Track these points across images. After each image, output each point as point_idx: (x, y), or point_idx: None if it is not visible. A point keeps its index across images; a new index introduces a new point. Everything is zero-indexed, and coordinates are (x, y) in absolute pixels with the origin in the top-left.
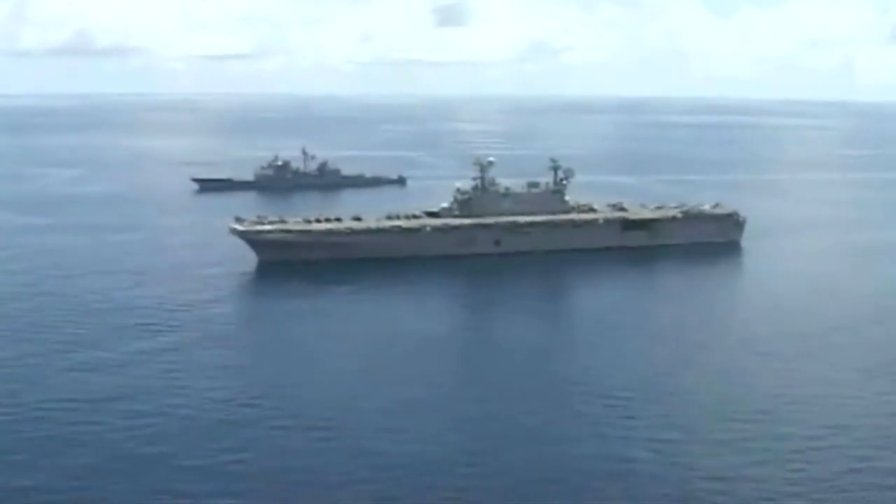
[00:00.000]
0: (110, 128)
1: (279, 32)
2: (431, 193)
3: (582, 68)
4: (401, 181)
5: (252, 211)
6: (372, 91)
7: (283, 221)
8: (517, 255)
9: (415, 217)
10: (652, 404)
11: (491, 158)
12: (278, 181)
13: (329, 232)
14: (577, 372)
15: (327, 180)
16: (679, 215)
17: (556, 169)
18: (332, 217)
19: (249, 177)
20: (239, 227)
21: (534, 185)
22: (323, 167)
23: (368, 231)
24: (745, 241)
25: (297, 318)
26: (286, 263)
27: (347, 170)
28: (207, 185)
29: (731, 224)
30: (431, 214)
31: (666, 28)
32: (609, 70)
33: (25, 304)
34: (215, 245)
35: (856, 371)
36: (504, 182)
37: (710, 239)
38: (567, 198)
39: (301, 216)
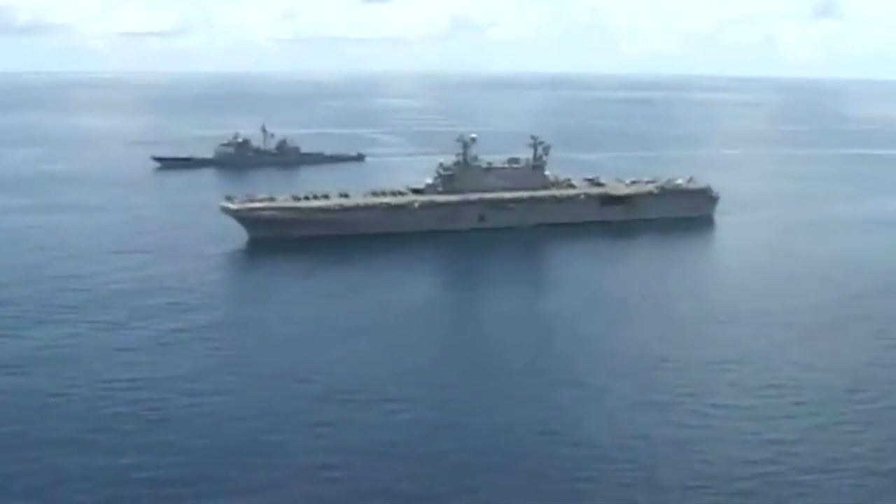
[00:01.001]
0: (47, 106)
1: (201, 9)
2: (391, 169)
3: (506, 44)
4: (359, 158)
5: (216, 188)
6: (295, 68)
7: (272, 199)
8: (501, 230)
9: (400, 193)
10: (627, 370)
11: (473, 135)
12: (238, 159)
13: (320, 209)
14: (562, 341)
15: (287, 158)
16: (655, 191)
17: (535, 145)
18: (320, 194)
19: (209, 154)
20: (231, 206)
21: (514, 160)
22: (282, 145)
23: (358, 208)
24: (718, 216)
25: (295, 293)
26: (277, 240)
27: (306, 147)
28: (168, 164)
29: (704, 199)
30: (416, 191)
31: (591, 4)
32: (534, 46)
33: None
34: (202, 223)
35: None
36: (486, 158)
37: (685, 214)
38: (546, 173)
39: (289, 194)
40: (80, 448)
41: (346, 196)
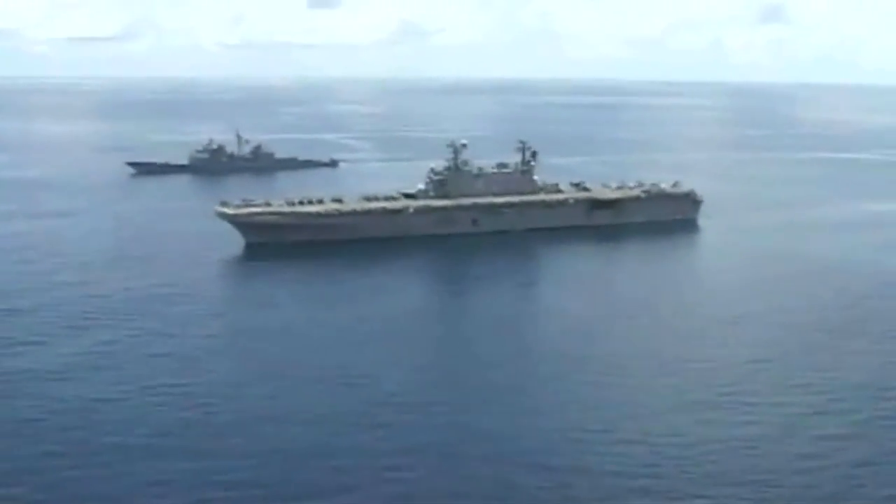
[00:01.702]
0: (5, 112)
1: (148, 14)
2: (363, 175)
3: (454, 49)
4: (333, 164)
5: (198, 194)
6: (243, 73)
7: (268, 204)
8: (494, 234)
9: (393, 198)
10: (618, 366)
11: (464, 141)
12: (213, 164)
13: (318, 214)
14: (556, 339)
15: (261, 163)
16: (642, 195)
17: (523, 150)
18: (315, 199)
19: (184, 160)
20: (227, 211)
21: (503, 165)
22: (257, 150)
23: (355, 213)
24: (701, 219)
25: (302, 298)
26: (273, 245)
27: (280, 153)
28: (143, 169)
29: (688, 203)
30: (409, 196)
31: (538, 10)
32: (482, 51)
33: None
34: (194, 229)
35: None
36: (477, 163)
37: (670, 217)
38: (535, 178)
39: (283, 199)
40: (150, 454)
41: (339, 201)
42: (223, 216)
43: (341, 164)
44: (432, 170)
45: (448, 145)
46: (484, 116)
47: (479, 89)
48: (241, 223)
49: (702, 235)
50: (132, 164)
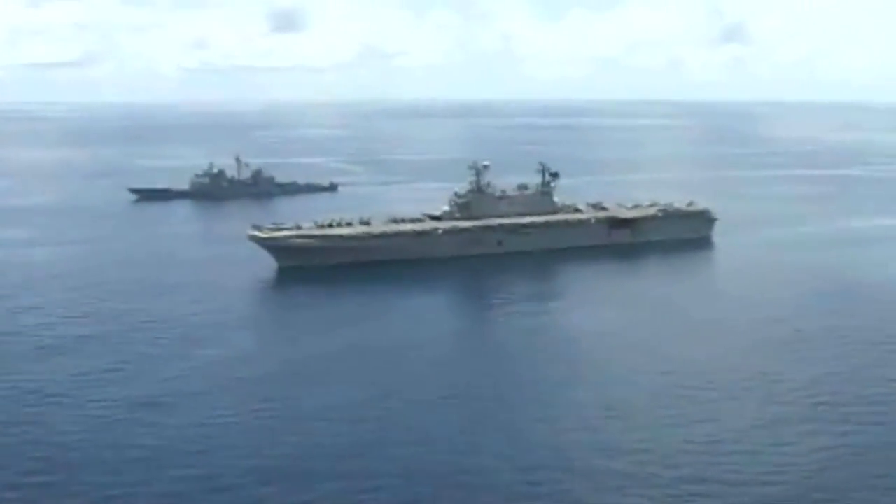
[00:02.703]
0: None
1: (108, 39)
2: (363, 198)
3: (415, 71)
4: (332, 188)
5: (203, 219)
6: (203, 98)
7: (298, 227)
8: (517, 254)
9: (418, 220)
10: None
11: (486, 163)
12: (214, 189)
13: (349, 237)
14: (616, 357)
15: (262, 188)
16: (659, 214)
17: (543, 172)
18: (344, 221)
19: (185, 186)
20: (261, 234)
21: (523, 187)
22: (257, 175)
23: (385, 235)
24: (716, 237)
25: (349, 320)
26: (304, 269)
27: (280, 177)
28: (145, 195)
29: (703, 221)
30: (434, 217)
31: (497, 31)
32: (442, 74)
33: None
34: (221, 253)
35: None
36: (498, 184)
37: (686, 235)
38: (555, 199)
39: (312, 222)
40: (282, 477)
41: (367, 223)
42: (256, 240)
43: (340, 188)
44: (456, 193)
45: (470, 167)
46: (458, 139)
47: (444, 111)
48: (274, 247)
49: (719, 252)
50: (134, 191)
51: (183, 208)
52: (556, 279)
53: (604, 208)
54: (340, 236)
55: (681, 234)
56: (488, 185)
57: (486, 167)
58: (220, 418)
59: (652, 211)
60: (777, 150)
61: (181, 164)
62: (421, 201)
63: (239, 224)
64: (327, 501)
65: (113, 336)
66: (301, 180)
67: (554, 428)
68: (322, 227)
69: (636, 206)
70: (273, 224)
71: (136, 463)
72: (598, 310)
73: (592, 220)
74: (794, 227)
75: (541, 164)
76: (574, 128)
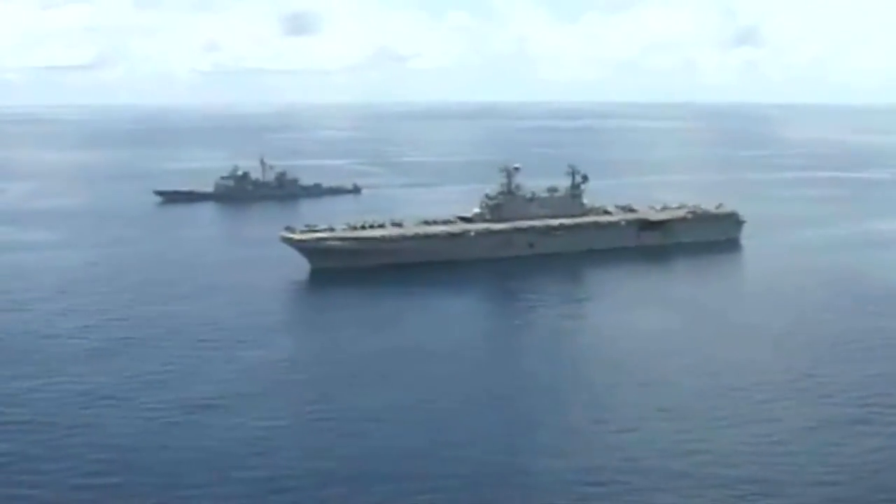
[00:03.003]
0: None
1: (121, 42)
2: (387, 200)
3: (429, 74)
4: (356, 190)
5: (225, 220)
6: (217, 100)
7: (331, 229)
8: (548, 256)
9: (450, 222)
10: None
11: (517, 165)
12: (239, 192)
13: (383, 239)
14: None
15: (286, 190)
16: (689, 216)
17: (573, 174)
18: (376, 223)
19: (209, 188)
20: (294, 236)
21: (553, 189)
22: (282, 177)
23: (418, 237)
24: (744, 239)
25: (370, 322)
26: (337, 270)
27: (304, 180)
28: (170, 197)
29: (732, 223)
30: (465, 219)
31: (512, 33)
32: (456, 75)
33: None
34: (252, 257)
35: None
36: (528, 186)
37: (714, 237)
38: (584, 201)
39: (344, 224)
40: (342, 479)
41: (399, 225)
42: (289, 241)
43: (364, 191)
44: (487, 195)
45: (501, 170)
46: (476, 141)
47: (458, 113)
48: (308, 249)
49: (749, 254)
50: (159, 193)
51: (209, 210)
52: (589, 281)
53: (633, 210)
54: (374, 238)
55: (709, 236)
56: (518, 187)
57: (516, 169)
58: (274, 420)
59: (681, 213)
60: (796, 153)
61: (200, 167)
62: (444, 203)
63: (267, 226)
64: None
65: (156, 339)
66: (325, 183)
67: (610, 428)
68: (354, 228)
69: (665, 209)
70: (306, 226)
71: (196, 465)
72: (635, 311)
73: (622, 223)
74: (822, 229)
75: (570, 166)
76: (590, 130)
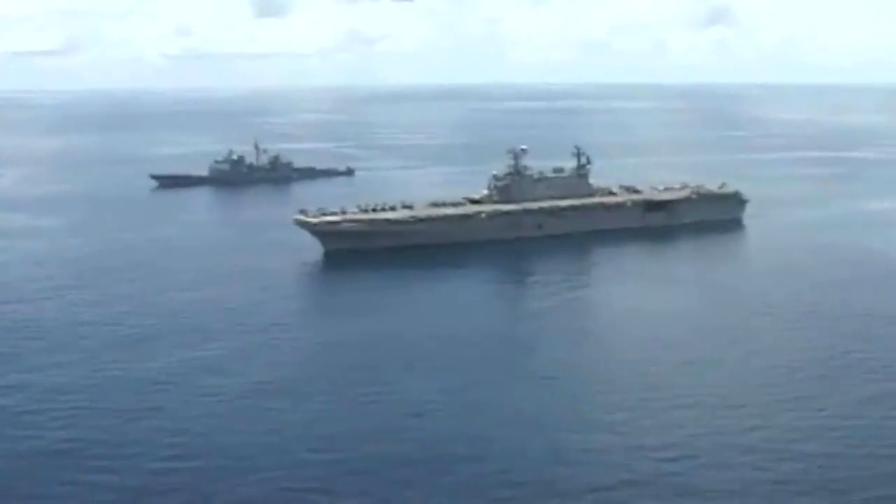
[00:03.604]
0: None
1: (90, 26)
2: (381, 183)
3: (399, 56)
4: (349, 172)
5: (226, 204)
6: (189, 85)
7: (343, 212)
8: (557, 237)
9: (459, 204)
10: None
11: (524, 147)
12: (233, 175)
13: (396, 221)
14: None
15: (280, 174)
16: (693, 196)
17: (578, 155)
18: (388, 206)
19: (204, 172)
20: (307, 219)
21: (559, 170)
22: (275, 161)
23: (430, 219)
24: (746, 219)
25: (400, 305)
26: (350, 252)
27: (297, 163)
28: (166, 182)
29: (735, 203)
30: (473, 201)
31: (483, 15)
32: (426, 58)
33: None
34: (264, 240)
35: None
36: (534, 167)
37: (718, 217)
38: (590, 181)
39: (356, 206)
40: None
41: (409, 207)
42: (303, 224)
43: (357, 173)
44: (494, 176)
45: (508, 151)
46: (456, 123)
47: (431, 95)
48: (322, 231)
49: (754, 233)
50: (155, 177)
51: (205, 195)
52: (603, 261)
53: (637, 191)
54: (387, 220)
55: (713, 216)
56: (526, 168)
57: (523, 151)
58: (332, 404)
59: (685, 193)
60: (780, 133)
61: (188, 151)
62: (439, 185)
63: (269, 209)
64: (463, 485)
65: (192, 325)
66: (318, 166)
67: (663, 407)
68: (366, 211)
69: (668, 189)
70: (318, 209)
71: (267, 449)
72: (658, 292)
73: (629, 203)
74: (822, 209)
75: (576, 147)
76: (566, 111)
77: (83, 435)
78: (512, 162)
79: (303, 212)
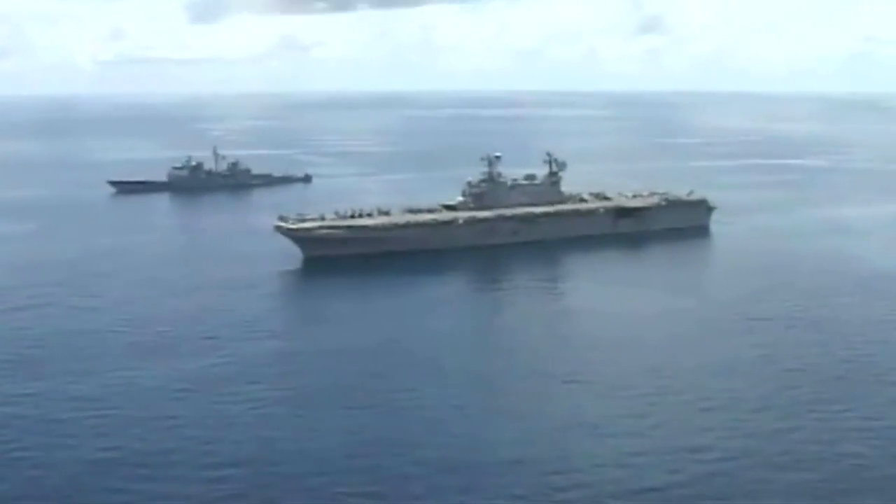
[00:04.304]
0: None
1: (18, 31)
2: (339, 190)
3: (332, 63)
4: (307, 179)
5: (189, 211)
6: (121, 90)
7: (322, 218)
8: (530, 243)
9: (434, 210)
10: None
11: (498, 154)
12: (192, 182)
13: (374, 227)
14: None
15: (239, 180)
16: (663, 203)
17: (550, 162)
18: (364, 212)
19: (163, 178)
20: (286, 225)
21: (531, 177)
22: (234, 167)
23: (408, 225)
24: (713, 225)
25: (361, 312)
26: (329, 259)
27: (255, 169)
28: (124, 188)
29: (702, 210)
30: (448, 207)
31: (417, 22)
32: (360, 65)
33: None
34: (234, 246)
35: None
36: (508, 174)
37: (686, 224)
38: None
39: (333, 212)
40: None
41: (386, 213)
42: (283, 231)
43: (314, 180)
44: (469, 183)
45: (482, 158)
46: (398, 131)
47: (366, 102)
48: (302, 238)
49: (721, 239)
50: (113, 183)
51: (165, 201)
52: (577, 267)
53: (607, 198)
54: (366, 227)
55: (682, 222)
56: (499, 175)
57: (497, 158)
58: (353, 410)
59: (654, 200)
60: (724, 141)
61: (137, 157)
62: (398, 192)
63: (236, 216)
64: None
65: (191, 333)
66: (275, 172)
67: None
68: (344, 217)
69: (637, 196)
70: (297, 215)
71: (300, 456)
72: (631, 296)
73: (601, 210)
74: (784, 215)
75: (548, 154)
76: (505, 119)
77: (115, 444)
78: (486, 169)
79: (283, 218)
